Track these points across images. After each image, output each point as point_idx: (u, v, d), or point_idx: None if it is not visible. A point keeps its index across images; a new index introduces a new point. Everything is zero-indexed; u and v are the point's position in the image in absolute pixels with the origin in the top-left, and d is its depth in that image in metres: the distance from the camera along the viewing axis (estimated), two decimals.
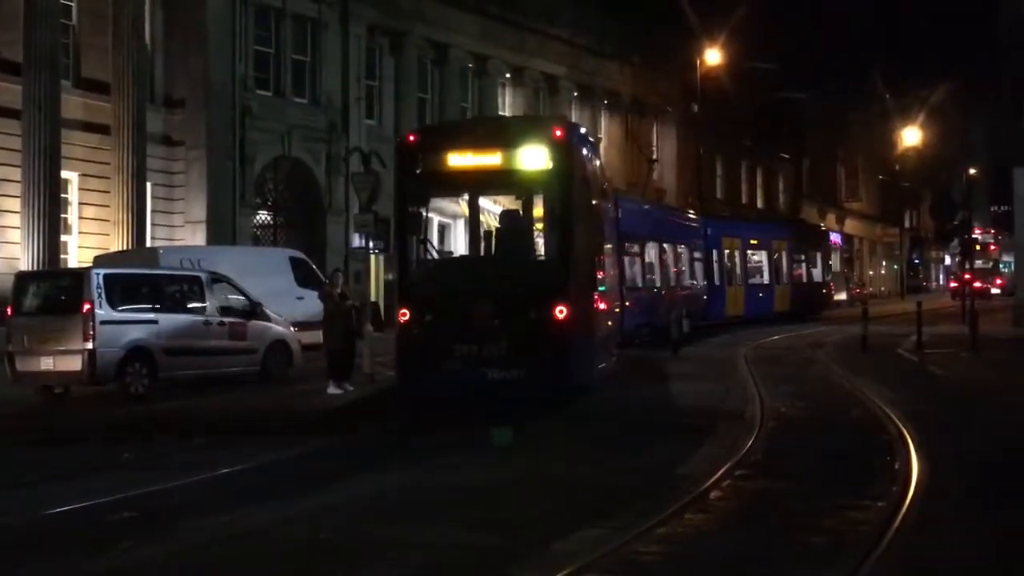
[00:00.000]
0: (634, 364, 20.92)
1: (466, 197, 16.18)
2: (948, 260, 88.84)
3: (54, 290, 17.67)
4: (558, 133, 14.19)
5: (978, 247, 63.69)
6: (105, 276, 16.77)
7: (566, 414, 14.28)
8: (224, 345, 18.15)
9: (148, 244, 27.25)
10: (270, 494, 9.41)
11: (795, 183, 66.11)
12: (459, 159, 14.39)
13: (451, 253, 21.02)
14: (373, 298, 26.55)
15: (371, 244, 21.80)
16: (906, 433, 12.06)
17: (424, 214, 14.84)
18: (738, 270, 36.79)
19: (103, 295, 16.46)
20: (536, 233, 15.36)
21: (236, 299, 18.78)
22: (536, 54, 41.72)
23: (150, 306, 17.30)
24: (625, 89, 48.00)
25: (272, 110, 30.95)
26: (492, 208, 16.36)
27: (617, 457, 11.28)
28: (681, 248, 31.22)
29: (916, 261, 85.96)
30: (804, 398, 15.90)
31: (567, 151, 14.15)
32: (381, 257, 31.27)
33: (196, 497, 9.42)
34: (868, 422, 13.44)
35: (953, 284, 63.00)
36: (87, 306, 16.32)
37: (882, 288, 77.07)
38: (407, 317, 13.86)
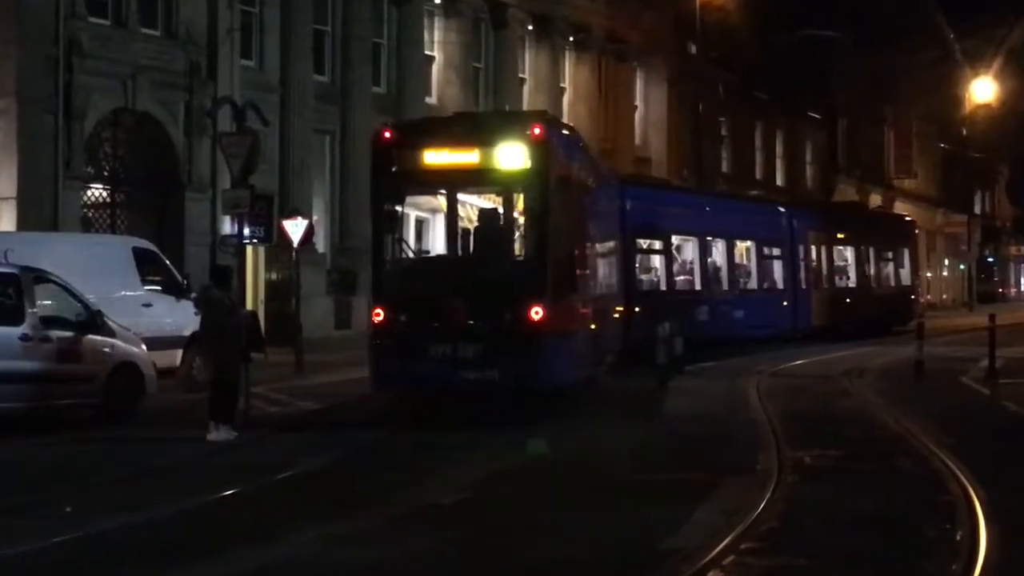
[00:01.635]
0: (620, 393, 21.29)
1: (443, 195, 19.86)
2: None
3: None
4: (537, 131, 17.93)
5: None
6: None
7: (512, 458, 14.75)
8: (50, 369, 17.91)
9: None
10: None
11: (827, 152, 66.74)
12: (435, 156, 18.28)
13: (427, 252, 24.17)
14: (250, 305, 26.42)
15: (247, 231, 21.69)
16: (971, 491, 12.22)
17: (400, 212, 18.93)
18: (824, 271, 39.87)
19: None
20: (513, 232, 18.92)
21: (67, 306, 18.65)
22: None
23: None
24: (597, 22, 48.24)
25: (111, 46, 30.69)
26: (474, 202, 19.84)
27: (586, 522, 11.35)
28: (748, 244, 34.88)
29: (990, 259, 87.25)
30: (835, 443, 16.07)
31: (545, 149, 17.94)
32: (261, 249, 31.22)
33: None
34: (920, 476, 13.60)
35: None
36: None
37: (943, 295, 78.14)
38: (381, 317, 17.91)
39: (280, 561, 9.91)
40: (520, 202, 18.84)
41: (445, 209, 19.99)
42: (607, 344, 22.59)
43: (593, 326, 20.47)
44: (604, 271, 22.80)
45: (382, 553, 10.15)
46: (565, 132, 20.87)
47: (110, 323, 19.04)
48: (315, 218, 34.05)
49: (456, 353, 17.43)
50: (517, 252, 18.87)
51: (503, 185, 18.82)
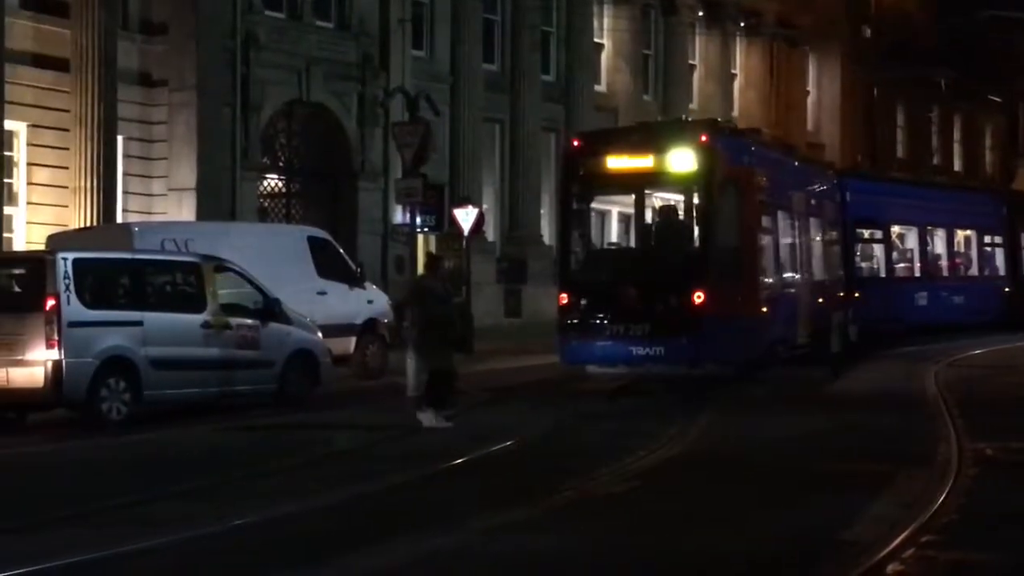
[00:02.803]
0: (794, 381, 21.30)
1: (621, 195, 23.17)
2: None
3: (7, 281, 18.10)
4: (703, 139, 20.84)
5: None
6: (75, 262, 17.00)
7: (690, 449, 14.67)
8: (230, 356, 18.36)
9: (119, 219, 27.69)
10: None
11: (1008, 138, 65.04)
12: (616, 162, 21.23)
13: (605, 245, 26.41)
14: None
15: (418, 219, 21.85)
16: None
17: (584, 210, 22.06)
18: None
19: (72, 288, 16.70)
20: (681, 227, 21.52)
21: (246, 294, 19.06)
22: None
23: (133, 303, 17.60)
24: (769, 7, 47.62)
25: (286, 39, 31.25)
26: (649, 202, 22.23)
27: (758, 514, 11.20)
28: (965, 232, 35.88)
29: None
30: (1018, 435, 15.62)
31: (712, 154, 20.70)
32: (432, 237, 31.47)
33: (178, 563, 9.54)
34: None
35: None
36: (51, 302, 16.57)
37: None
38: (565, 301, 20.82)
39: (447, 549, 9.93)
40: (688, 201, 21.56)
41: (622, 208, 23.60)
42: (783, 331, 23.38)
43: (765, 311, 21.98)
44: (791, 260, 24.18)
45: (550, 542, 10.11)
46: (735, 137, 23.08)
47: (288, 311, 19.40)
48: (485, 206, 34.25)
49: (628, 332, 20.05)
50: (684, 244, 21.21)
51: (673, 186, 21.65)
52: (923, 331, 30.99)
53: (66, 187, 27.37)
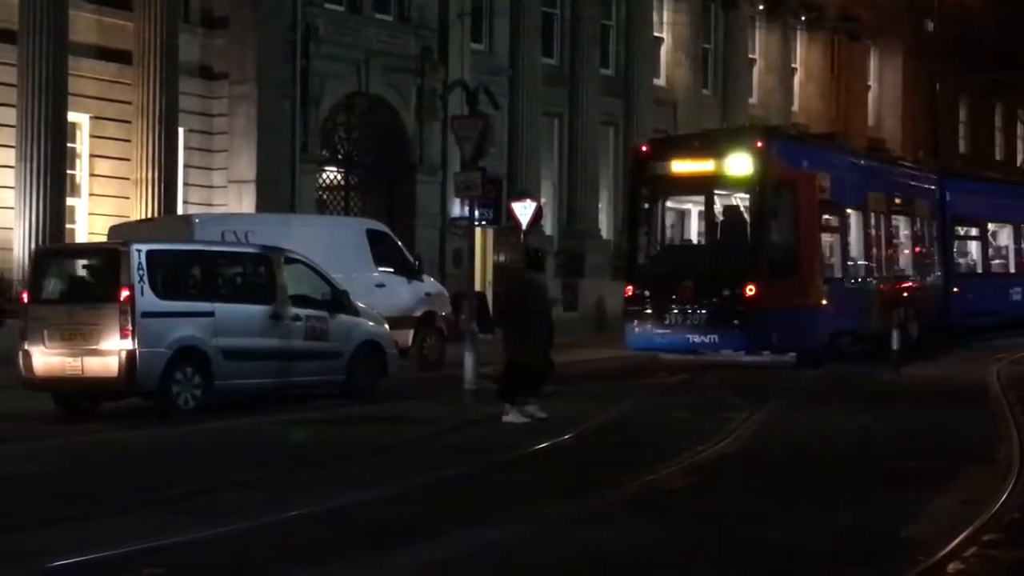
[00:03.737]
0: (854, 376, 21.26)
1: (684, 196, 25.38)
2: None
3: (82, 271, 18.43)
4: (759, 144, 23.09)
5: None
6: (149, 254, 17.28)
7: (749, 444, 14.68)
8: (299, 347, 18.62)
9: (179, 211, 27.92)
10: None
11: None
12: (680, 166, 23.58)
13: (670, 241, 27.34)
14: (478, 287, 26.71)
15: (476, 213, 21.89)
16: None
17: (650, 210, 24.12)
18: None
19: (145, 279, 17.03)
20: (736, 226, 23.27)
21: (315, 285, 19.33)
22: None
23: (204, 294, 17.91)
24: (830, 1, 47.30)
25: (345, 32, 31.38)
26: (714, 201, 24.26)
27: (814, 510, 11.16)
28: None
29: None
30: None
31: (766, 159, 22.87)
32: (490, 231, 31.51)
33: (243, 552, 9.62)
34: None
35: None
36: (125, 293, 16.90)
37: None
38: (631, 292, 23.26)
39: (508, 541, 9.95)
40: (744, 201, 23.40)
41: (686, 207, 25.59)
42: (848, 323, 24.77)
43: (825, 303, 23.62)
44: (864, 256, 25.85)
45: (611, 535, 10.10)
46: (793, 143, 25.38)
47: (356, 303, 19.61)
48: (543, 200, 34.25)
49: (686, 321, 22.30)
50: (739, 241, 23.08)
51: (731, 188, 23.66)
52: (1018, 324, 31.98)
53: (128, 179, 27.61)
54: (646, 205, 24.26)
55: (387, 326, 20.31)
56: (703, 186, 23.84)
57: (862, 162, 27.98)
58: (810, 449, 14.68)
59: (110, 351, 16.86)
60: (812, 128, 46.68)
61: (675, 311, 22.37)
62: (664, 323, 22.51)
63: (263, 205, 28.76)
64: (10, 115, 25.85)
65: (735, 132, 27.81)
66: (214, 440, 15.77)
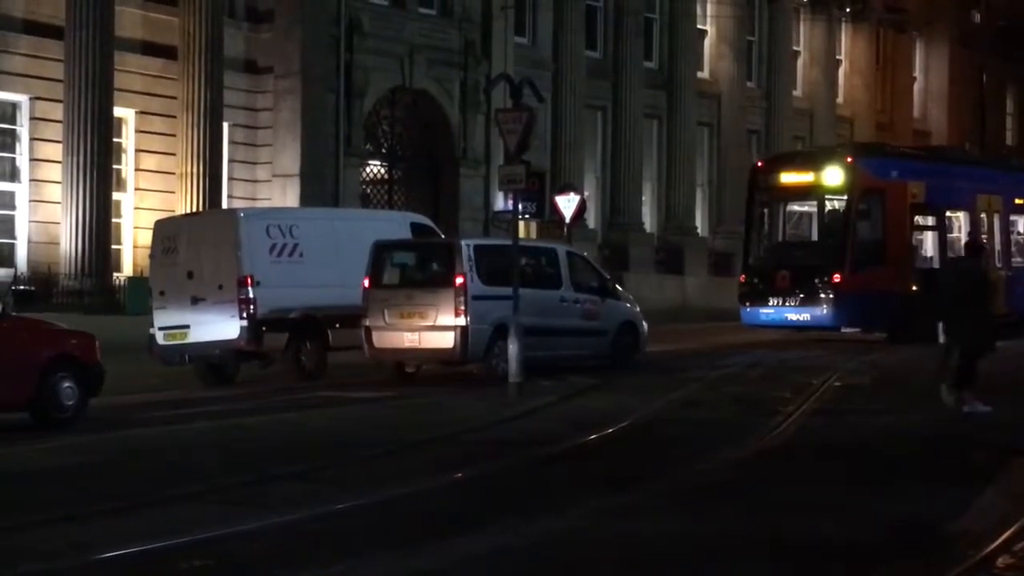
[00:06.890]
0: (901, 371, 20.98)
1: (789, 202, 29.58)
2: None
3: (420, 262, 21.73)
4: (848, 160, 27.87)
5: None
6: (475, 248, 20.65)
7: (797, 436, 14.61)
8: (579, 325, 21.76)
9: (224, 205, 28.08)
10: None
11: None
12: (787, 178, 28.57)
13: (775, 240, 31.27)
14: None
15: (520, 206, 21.92)
16: None
17: (762, 213, 28.88)
18: None
19: (473, 268, 20.19)
20: (829, 227, 28.02)
21: (589, 274, 22.61)
22: None
23: (511, 281, 19.72)
24: None
25: (389, 25, 31.46)
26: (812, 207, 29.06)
27: (864, 502, 11.11)
28: None
29: None
30: None
31: (855, 172, 27.55)
32: (533, 224, 31.54)
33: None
34: None
35: None
36: (460, 280, 20.03)
37: None
38: (744, 280, 28.63)
39: (557, 532, 9.98)
40: (838, 206, 27.79)
41: (791, 211, 29.52)
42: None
43: (915, 289, 26.77)
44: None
45: (657, 527, 10.08)
46: (882, 157, 29.73)
47: (618, 289, 23.10)
48: (586, 193, 34.23)
49: (784, 303, 27.07)
50: (829, 239, 27.82)
51: (827, 196, 28.05)
52: None
53: (173, 173, 27.81)
54: (759, 210, 28.87)
55: (639, 308, 23.06)
56: (805, 194, 28.61)
57: (966, 168, 31.60)
58: (858, 442, 14.40)
59: (448, 327, 19.95)
60: (857, 121, 46.60)
61: (776, 295, 27.23)
62: (768, 304, 27.38)
63: (307, 199, 28.89)
64: (57, 110, 26.11)
65: (832, 149, 32.12)
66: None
